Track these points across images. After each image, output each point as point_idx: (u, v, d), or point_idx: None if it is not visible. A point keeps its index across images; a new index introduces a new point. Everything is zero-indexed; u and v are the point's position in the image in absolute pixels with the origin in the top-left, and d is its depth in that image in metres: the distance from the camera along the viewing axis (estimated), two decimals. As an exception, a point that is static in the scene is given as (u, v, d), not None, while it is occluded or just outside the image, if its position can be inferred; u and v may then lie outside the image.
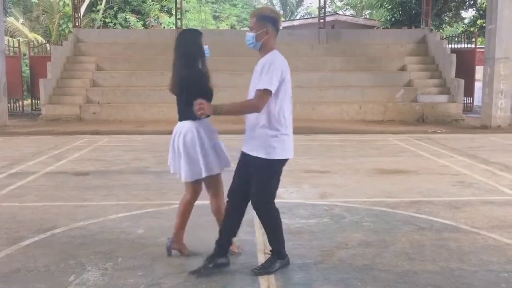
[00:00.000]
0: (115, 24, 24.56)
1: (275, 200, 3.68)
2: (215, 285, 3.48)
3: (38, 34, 23.14)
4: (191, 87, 3.69)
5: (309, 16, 38.22)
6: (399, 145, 10.03)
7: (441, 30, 22.06)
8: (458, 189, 6.34)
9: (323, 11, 18.12)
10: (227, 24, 36.63)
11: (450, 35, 19.43)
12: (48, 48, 16.76)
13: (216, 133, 3.89)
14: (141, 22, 25.87)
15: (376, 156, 8.75)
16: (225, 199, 3.81)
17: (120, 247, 4.14)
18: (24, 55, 18.49)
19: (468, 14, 26.48)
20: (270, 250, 3.77)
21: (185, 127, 3.76)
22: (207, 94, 3.74)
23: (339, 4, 40.13)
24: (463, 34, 19.22)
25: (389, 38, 17.08)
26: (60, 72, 15.27)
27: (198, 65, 3.79)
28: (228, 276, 3.62)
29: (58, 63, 15.22)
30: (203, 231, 4.61)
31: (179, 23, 17.55)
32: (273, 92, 3.42)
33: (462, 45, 16.86)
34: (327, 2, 20.74)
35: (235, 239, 3.88)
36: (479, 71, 16.34)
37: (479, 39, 18.20)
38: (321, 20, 17.62)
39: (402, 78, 15.41)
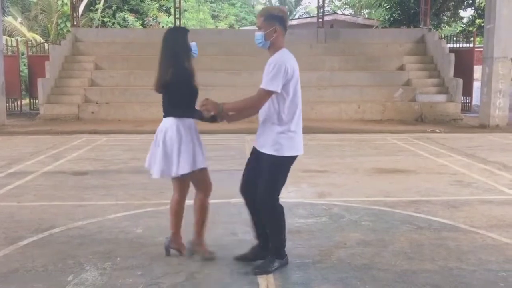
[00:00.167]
0: (113, 23, 24.53)
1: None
2: (214, 285, 3.48)
3: (36, 34, 23.10)
4: (176, 86, 3.67)
5: (307, 16, 38.25)
6: (397, 144, 10.04)
7: (439, 30, 22.07)
8: (457, 189, 6.34)
9: (321, 11, 18.14)
10: (225, 24, 36.62)
11: (449, 34, 19.43)
12: (46, 48, 16.72)
13: (197, 132, 3.82)
14: (140, 22, 25.84)
15: (374, 156, 8.75)
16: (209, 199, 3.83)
17: (119, 247, 4.13)
18: (22, 54, 18.46)
19: (466, 13, 26.54)
20: (270, 248, 3.75)
21: (167, 123, 3.75)
22: (192, 93, 3.73)
23: (337, 3, 40.15)
24: (461, 34, 19.23)
25: (388, 37, 17.09)
26: (58, 71, 15.25)
27: (184, 63, 3.74)
28: (226, 275, 3.62)
29: (56, 62, 15.20)
30: (202, 231, 4.62)
31: (177, 22, 17.54)
32: (276, 91, 3.45)
33: (461, 45, 16.85)
34: (326, 2, 20.74)
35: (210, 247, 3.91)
36: (477, 71, 16.31)
37: (478, 38, 18.19)
38: (320, 20, 17.65)
39: (401, 77, 15.42)
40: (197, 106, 3.71)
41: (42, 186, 6.44)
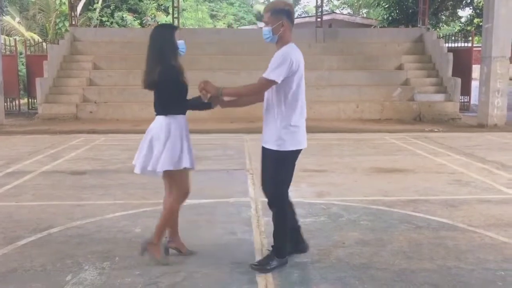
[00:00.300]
0: (112, 23, 24.51)
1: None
2: (213, 284, 3.48)
3: (34, 33, 23.06)
4: (164, 84, 3.65)
5: (306, 15, 38.27)
6: (396, 143, 10.05)
7: (438, 29, 22.09)
8: (455, 188, 6.35)
9: (320, 10, 18.12)
10: (224, 23, 36.64)
11: (447, 34, 19.45)
12: (45, 47, 16.69)
13: (187, 131, 3.79)
14: (138, 21, 25.84)
15: (373, 155, 8.76)
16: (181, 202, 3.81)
17: (117, 246, 4.13)
18: (21, 54, 18.42)
19: (465, 13, 26.57)
20: (272, 246, 3.76)
21: (157, 122, 3.74)
22: (181, 90, 3.71)
23: (336, 3, 40.17)
24: (460, 33, 19.27)
25: (386, 37, 17.10)
26: (56, 71, 15.23)
27: (171, 61, 3.70)
28: (225, 275, 3.62)
29: (54, 62, 15.17)
30: (201, 231, 4.62)
31: (176, 21, 17.52)
32: (277, 81, 3.47)
33: (459, 44, 16.87)
34: (324, 1, 20.69)
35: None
36: (475, 70, 16.35)
37: (476, 38, 18.19)
38: (318, 19, 17.64)
39: (399, 77, 15.43)
40: (197, 88, 3.67)
41: (40, 186, 6.43)
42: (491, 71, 12.46)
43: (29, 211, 5.28)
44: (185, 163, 3.72)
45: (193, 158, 3.85)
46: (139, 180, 6.57)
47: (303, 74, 3.61)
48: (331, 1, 39.77)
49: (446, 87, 14.90)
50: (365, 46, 16.48)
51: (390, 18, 22.10)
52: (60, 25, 22.89)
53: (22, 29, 22.94)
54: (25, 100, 16.82)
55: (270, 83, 3.49)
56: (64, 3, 21.85)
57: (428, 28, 17.32)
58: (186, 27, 26.63)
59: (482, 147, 9.62)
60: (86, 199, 5.78)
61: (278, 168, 3.62)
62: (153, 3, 27.22)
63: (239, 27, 34.83)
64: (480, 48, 13.54)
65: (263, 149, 3.70)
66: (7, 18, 23.10)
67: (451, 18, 23.79)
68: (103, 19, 24.64)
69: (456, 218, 5.02)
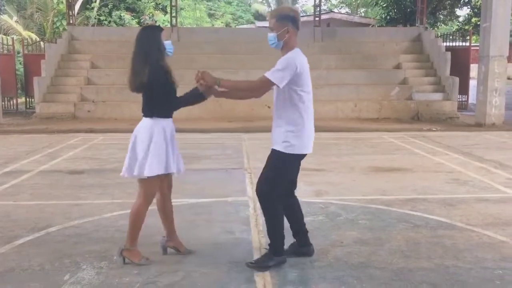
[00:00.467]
0: (109, 22, 24.47)
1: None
2: (211, 284, 3.47)
3: (32, 32, 23.01)
4: (153, 85, 3.62)
5: (304, 14, 38.24)
6: (394, 143, 10.05)
7: (436, 28, 22.11)
8: (453, 187, 6.36)
9: (318, 9, 18.12)
10: (222, 22, 36.62)
11: (445, 33, 19.46)
12: (42, 46, 16.66)
13: (173, 134, 3.76)
14: (136, 20, 25.80)
15: (371, 154, 8.76)
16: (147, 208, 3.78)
17: (115, 246, 4.11)
18: (18, 53, 18.38)
19: (462, 12, 26.64)
20: (268, 244, 3.76)
21: (142, 123, 3.73)
22: (170, 91, 3.69)
23: (334, 2, 40.18)
24: (457, 32, 19.27)
25: (384, 36, 17.10)
26: (54, 70, 15.20)
27: (159, 61, 3.67)
28: (223, 274, 3.62)
29: (52, 61, 15.14)
30: (199, 230, 4.62)
31: (174, 21, 17.51)
32: (278, 85, 3.48)
33: (457, 43, 16.88)
34: (322, 0, 20.76)
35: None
36: (473, 69, 16.37)
37: (474, 37, 18.25)
38: (316, 18, 17.61)
39: (397, 76, 15.44)
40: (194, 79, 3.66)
41: (38, 185, 6.42)
42: (489, 70, 12.47)
43: (26, 210, 5.28)
44: (173, 168, 3.71)
45: (180, 162, 3.84)
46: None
47: (309, 79, 3.62)
48: (329, 0, 39.81)
49: (444, 86, 14.92)
50: (363, 45, 16.48)
51: (388, 17, 22.10)
52: (58, 24, 22.85)
53: (19, 28, 22.88)
54: (23, 99, 16.79)
55: (269, 83, 3.49)
56: (62, 2, 21.81)
57: (426, 27, 17.34)
58: (184, 26, 26.61)
59: (480, 146, 9.64)
60: (84, 198, 5.77)
61: (277, 167, 3.63)
62: (151, 2, 27.19)
63: (237, 26, 34.81)
64: (478, 47, 13.55)
65: (271, 150, 3.71)
66: (4, 17, 23.05)
67: (449, 17, 23.82)
68: (101, 18, 24.60)
69: (454, 217, 5.02)
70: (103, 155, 8.61)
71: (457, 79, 14.52)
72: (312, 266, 3.77)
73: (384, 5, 22.58)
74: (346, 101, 14.45)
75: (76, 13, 19.66)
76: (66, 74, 15.25)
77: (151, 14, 27.01)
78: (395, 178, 6.87)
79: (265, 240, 4.21)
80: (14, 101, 16.32)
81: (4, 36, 19.20)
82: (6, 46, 16.80)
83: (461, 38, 17.55)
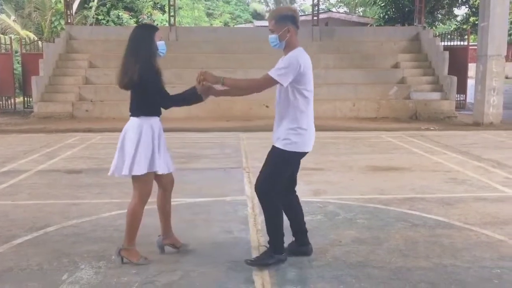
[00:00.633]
0: (107, 21, 24.43)
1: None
2: (209, 283, 3.47)
3: (30, 31, 22.96)
4: (145, 82, 3.61)
5: (302, 14, 38.25)
6: (392, 142, 10.06)
7: (434, 28, 22.13)
8: (451, 186, 6.37)
9: (316, 9, 18.12)
10: (220, 22, 36.62)
11: (443, 32, 19.49)
12: (40, 45, 16.62)
13: (161, 134, 3.75)
14: (134, 19, 25.75)
15: (369, 153, 8.77)
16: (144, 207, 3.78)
17: (114, 245, 4.11)
18: (16, 52, 18.34)
19: (460, 11, 26.67)
20: (268, 242, 3.76)
21: (129, 123, 3.72)
22: (161, 88, 3.68)
23: (332, 1, 40.20)
24: (455, 32, 19.28)
25: (383, 35, 17.11)
26: (52, 69, 15.17)
27: (149, 60, 3.65)
28: (222, 273, 3.62)
29: (50, 60, 15.11)
30: (197, 229, 4.61)
31: (172, 20, 17.49)
32: (281, 83, 3.49)
33: (455, 43, 16.90)
34: (321, 0, 20.77)
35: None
36: (471, 69, 16.40)
37: (472, 36, 18.26)
38: (315, 18, 17.62)
39: (395, 75, 15.44)
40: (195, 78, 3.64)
41: (36, 185, 6.41)
42: (487, 70, 12.48)
43: (25, 210, 5.27)
44: (158, 167, 3.69)
45: (169, 161, 3.84)
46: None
47: (312, 78, 3.63)
48: (328, 0, 39.80)
49: (442, 86, 14.93)
50: (361, 44, 16.49)
51: (386, 16, 22.12)
52: (56, 23, 22.79)
53: (17, 27, 22.83)
54: (21, 98, 16.75)
55: (273, 81, 3.50)
56: (60, 1, 21.76)
57: (424, 27, 17.35)
58: (182, 26, 26.59)
59: (478, 145, 9.65)
60: (82, 198, 5.77)
61: (276, 165, 3.63)
62: (149, 1, 27.15)
63: (235, 26, 34.81)
64: (476, 47, 13.57)
65: (272, 147, 3.71)
66: (2, 16, 22.99)
67: (447, 17, 23.86)
68: (99, 17, 24.56)
69: (452, 216, 5.03)
70: (101, 154, 8.60)
71: (455, 78, 14.54)
72: (310, 265, 3.78)
73: (382, 5, 22.61)
74: (344, 100, 14.46)
75: (74, 13, 19.60)
76: (64, 73, 15.22)
77: (149, 14, 26.98)
78: (393, 177, 6.88)
79: (263, 239, 4.21)
80: (12, 100, 16.28)
81: (2, 36, 19.16)
82: (4, 46, 16.75)
83: (459, 38, 17.57)
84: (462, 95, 16.05)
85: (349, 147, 9.51)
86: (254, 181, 3.82)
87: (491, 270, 3.69)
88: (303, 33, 16.77)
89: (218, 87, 3.65)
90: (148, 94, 3.64)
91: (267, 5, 42.48)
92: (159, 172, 3.74)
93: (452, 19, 25.43)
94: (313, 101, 3.72)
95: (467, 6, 23.18)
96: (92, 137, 10.67)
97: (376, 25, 22.81)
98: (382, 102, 14.41)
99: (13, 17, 23.69)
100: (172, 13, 17.60)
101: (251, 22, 36.16)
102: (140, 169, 3.63)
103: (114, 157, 3.76)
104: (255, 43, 15.16)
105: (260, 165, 3.79)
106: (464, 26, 22.50)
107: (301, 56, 3.55)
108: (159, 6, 28.13)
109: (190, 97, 3.76)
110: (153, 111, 3.72)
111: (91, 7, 24.20)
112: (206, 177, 6.81)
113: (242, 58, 15.30)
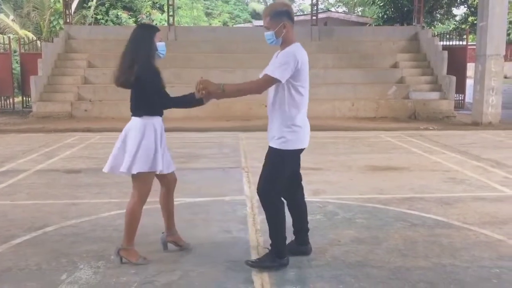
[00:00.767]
0: (106, 20, 24.41)
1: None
2: (209, 283, 3.47)
3: (28, 31, 22.95)
4: (144, 81, 3.61)
5: (301, 13, 38.24)
6: (391, 142, 10.07)
7: (433, 27, 22.15)
8: (450, 186, 6.37)
9: (315, 8, 18.12)
10: (219, 21, 36.61)
11: (442, 32, 19.50)
12: (39, 45, 16.62)
13: (163, 134, 3.76)
14: (133, 19, 25.74)
15: (368, 153, 8.77)
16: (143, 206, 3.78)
17: (113, 245, 4.10)
18: (15, 52, 18.33)
19: (459, 11, 26.68)
20: (270, 245, 3.73)
21: (132, 123, 3.72)
22: (161, 88, 3.68)
23: (331, 1, 40.19)
24: (454, 31, 19.31)
25: (381, 35, 17.12)
26: (51, 69, 15.16)
27: (148, 60, 3.65)
28: (221, 273, 3.62)
29: (49, 60, 15.10)
30: (196, 229, 4.61)
31: (171, 20, 17.49)
32: (280, 80, 3.47)
33: (454, 42, 16.92)
34: (320, -1, 20.82)
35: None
36: (470, 68, 16.40)
37: (471, 36, 18.27)
38: (314, 17, 17.62)
39: (394, 75, 15.45)
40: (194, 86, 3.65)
41: (35, 185, 6.41)
42: (486, 69, 12.50)
43: (23, 210, 5.26)
44: (160, 166, 3.69)
45: (170, 161, 3.85)
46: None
47: (308, 74, 3.61)
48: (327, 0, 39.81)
49: (441, 85, 14.94)
50: (360, 44, 16.50)
51: (385, 16, 22.14)
52: (55, 23, 22.79)
53: (16, 27, 22.82)
54: (19, 98, 16.74)
55: (273, 81, 3.49)
56: (59, 1, 21.74)
57: (423, 27, 17.37)
58: (181, 25, 26.58)
59: (477, 145, 9.66)
60: (81, 197, 5.76)
61: (275, 165, 3.62)
62: (148, 1, 27.14)
63: (234, 25, 34.79)
64: (474, 46, 13.58)
65: (269, 147, 3.69)
66: (1, 16, 22.97)
67: (446, 17, 23.87)
68: (98, 17, 24.54)
69: (451, 215, 5.03)
70: (100, 154, 8.59)
71: (454, 78, 14.55)
72: (309, 265, 3.78)
73: (381, 4, 22.62)
74: (344, 100, 14.46)
75: (73, 12, 19.60)
76: (63, 73, 15.21)
77: (148, 13, 26.96)
78: (392, 177, 6.88)
79: (262, 239, 4.22)
80: (11, 100, 16.26)
81: (0, 35, 19.14)
82: (2, 45, 16.74)
83: (458, 37, 17.59)
84: (461, 95, 16.07)
85: (348, 147, 9.51)
86: (253, 181, 3.83)
87: (490, 270, 3.69)
88: (302, 33, 16.79)
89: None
90: (147, 94, 3.64)
91: (266, 5, 42.51)
92: (162, 172, 3.73)
93: (451, 19, 25.46)
94: (308, 97, 3.67)
95: (465, 5, 23.20)
96: (91, 136, 10.66)
97: (375, 25, 22.83)
98: (381, 102, 14.42)
99: (11, 17, 23.68)
100: (171, 13, 17.59)
101: (250, 21, 36.13)
102: (140, 167, 3.63)
103: (111, 154, 3.75)
104: (254, 42, 15.14)
105: (259, 164, 3.80)
106: (463, 26, 22.55)
107: (298, 52, 3.53)
108: (158, 6, 28.12)
109: (190, 100, 3.76)
110: (155, 111, 3.72)
111: (90, 7, 24.19)
112: (205, 177, 6.81)
113: (241, 58, 15.30)
